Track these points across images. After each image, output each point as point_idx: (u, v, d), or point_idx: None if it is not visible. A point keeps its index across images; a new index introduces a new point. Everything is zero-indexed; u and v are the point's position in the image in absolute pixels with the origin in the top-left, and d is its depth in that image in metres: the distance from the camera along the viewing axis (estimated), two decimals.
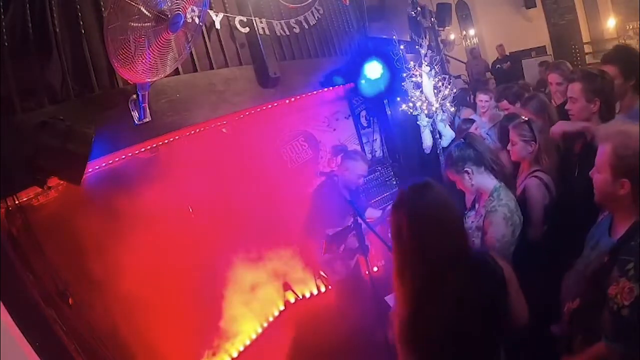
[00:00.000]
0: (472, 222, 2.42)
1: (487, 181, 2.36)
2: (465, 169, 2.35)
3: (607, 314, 1.46)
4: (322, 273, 3.65)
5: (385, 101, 4.69)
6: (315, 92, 4.10)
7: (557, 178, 2.58)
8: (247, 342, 3.42)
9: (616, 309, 1.42)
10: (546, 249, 2.34)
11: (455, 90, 4.40)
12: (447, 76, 4.37)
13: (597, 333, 1.51)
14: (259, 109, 3.63)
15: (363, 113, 4.74)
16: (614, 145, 1.58)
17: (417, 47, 4.22)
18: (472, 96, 5.70)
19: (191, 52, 2.81)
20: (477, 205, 2.47)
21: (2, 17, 2.01)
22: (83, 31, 2.33)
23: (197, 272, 3.00)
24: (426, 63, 4.11)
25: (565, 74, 3.41)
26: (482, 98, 4.71)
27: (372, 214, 3.47)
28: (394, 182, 4.75)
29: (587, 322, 1.56)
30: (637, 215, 1.53)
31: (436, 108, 4.13)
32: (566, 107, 2.61)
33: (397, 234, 1.52)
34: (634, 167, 1.51)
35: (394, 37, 4.32)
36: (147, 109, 2.52)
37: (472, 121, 4.22)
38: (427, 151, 4.31)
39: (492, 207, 2.29)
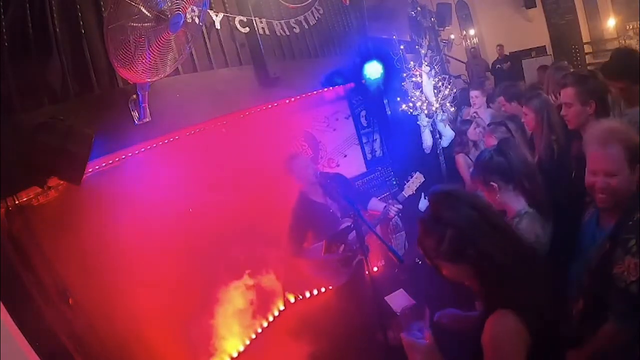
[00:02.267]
0: None
1: (514, 203, 1.98)
2: (491, 183, 1.98)
3: (615, 294, 1.49)
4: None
5: (385, 101, 4.70)
6: (315, 92, 4.10)
7: (552, 179, 2.56)
8: (247, 342, 3.42)
9: (624, 286, 1.46)
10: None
11: (455, 90, 4.40)
12: (447, 76, 4.38)
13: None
14: (259, 109, 3.63)
15: (363, 113, 4.74)
16: (623, 145, 1.63)
17: (417, 47, 4.23)
18: None
19: (191, 52, 2.80)
20: None
21: (2, 17, 2.01)
22: (83, 31, 2.34)
23: (197, 271, 3.00)
24: (426, 63, 4.11)
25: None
26: (474, 94, 4.70)
27: (376, 206, 3.43)
28: (394, 182, 4.75)
29: (597, 317, 1.58)
30: (630, 194, 1.59)
31: (436, 108, 4.14)
32: (562, 113, 2.58)
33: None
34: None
35: (394, 37, 4.32)
36: (147, 109, 2.53)
37: (469, 122, 4.22)
38: (427, 151, 4.32)
39: None
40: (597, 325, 1.58)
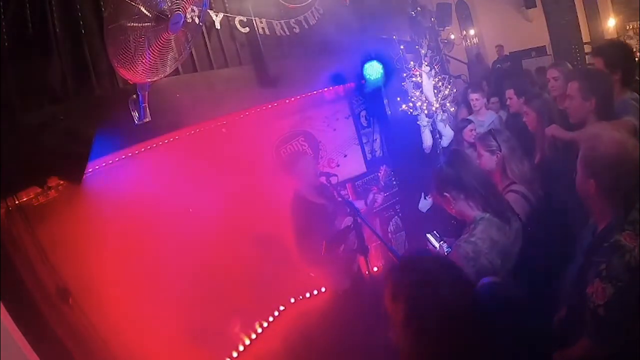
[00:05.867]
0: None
1: (468, 210, 2.06)
2: (444, 194, 2.07)
3: (587, 311, 1.53)
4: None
5: (385, 101, 4.69)
6: (315, 92, 4.10)
7: (558, 177, 2.57)
8: (247, 342, 3.42)
9: (592, 307, 1.49)
10: (544, 251, 2.32)
11: (455, 90, 4.40)
12: (447, 76, 4.38)
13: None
14: (259, 109, 3.63)
15: (363, 113, 4.73)
16: (584, 148, 1.66)
17: (417, 47, 4.23)
18: None
19: (191, 52, 2.80)
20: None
21: (2, 17, 2.01)
22: (83, 31, 2.34)
23: (196, 271, 3.00)
24: (426, 63, 4.11)
25: (564, 72, 3.48)
26: (474, 97, 4.69)
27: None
28: (394, 182, 4.75)
29: (578, 326, 1.58)
30: (610, 217, 1.59)
31: (436, 108, 4.14)
32: (565, 105, 2.63)
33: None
34: (599, 168, 1.58)
35: (394, 37, 4.32)
36: (147, 109, 2.52)
37: (469, 121, 4.23)
38: (427, 151, 4.32)
39: (459, 241, 2.01)
40: (574, 335, 1.59)
